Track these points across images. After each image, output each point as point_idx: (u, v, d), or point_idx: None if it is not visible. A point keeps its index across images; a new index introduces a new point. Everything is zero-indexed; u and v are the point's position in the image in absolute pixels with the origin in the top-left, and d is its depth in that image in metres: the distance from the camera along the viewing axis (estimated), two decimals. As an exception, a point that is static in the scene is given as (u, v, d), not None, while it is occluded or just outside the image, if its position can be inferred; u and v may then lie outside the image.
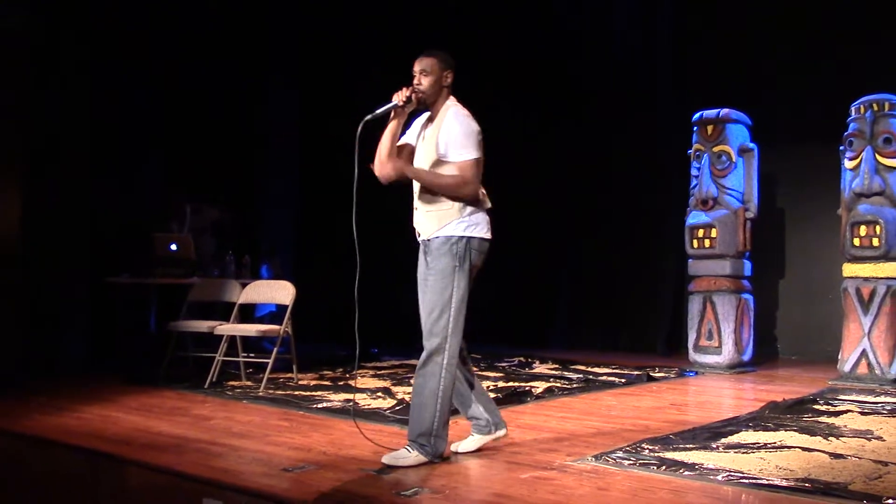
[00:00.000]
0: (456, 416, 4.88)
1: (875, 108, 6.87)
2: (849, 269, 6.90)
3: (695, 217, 7.77)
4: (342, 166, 11.20)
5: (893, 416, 5.08)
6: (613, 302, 9.44)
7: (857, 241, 6.79)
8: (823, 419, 4.96)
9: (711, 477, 3.51)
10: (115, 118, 8.11)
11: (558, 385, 6.40)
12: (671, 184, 8.65)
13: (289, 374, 6.57)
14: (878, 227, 6.67)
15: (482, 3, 9.76)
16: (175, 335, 6.64)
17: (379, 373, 7.12)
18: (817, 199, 8.17)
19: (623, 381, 6.78)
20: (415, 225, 3.93)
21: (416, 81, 3.80)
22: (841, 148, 7.08)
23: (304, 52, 10.28)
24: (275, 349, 6.33)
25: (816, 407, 5.44)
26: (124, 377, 6.56)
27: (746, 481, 3.44)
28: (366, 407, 5.32)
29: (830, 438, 4.35)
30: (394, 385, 6.31)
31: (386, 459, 3.69)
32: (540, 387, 6.24)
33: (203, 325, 6.48)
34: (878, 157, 6.77)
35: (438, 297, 3.72)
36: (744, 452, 3.99)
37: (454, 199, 3.73)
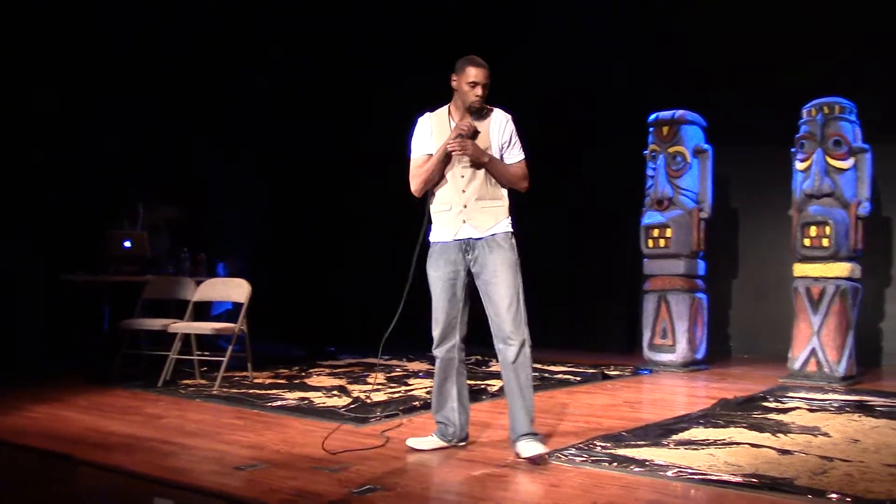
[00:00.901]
0: (422, 412, 4.92)
1: (825, 110, 7.01)
2: (799, 269, 7.02)
3: (650, 217, 7.86)
4: (301, 165, 11.23)
5: (840, 413, 5.18)
6: (570, 301, 9.51)
7: (807, 242, 6.92)
8: (772, 416, 5.05)
9: (661, 473, 3.55)
10: (69, 113, 7.98)
11: (514, 383, 6.41)
12: (627, 184, 8.73)
13: (244, 373, 6.52)
14: (827, 228, 6.80)
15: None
16: (128, 333, 6.56)
17: (335, 371, 7.10)
18: (770, 199, 8.30)
19: (578, 379, 6.83)
20: (462, 223, 3.92)
21: (480, 94, 3.87)
22: (792, 150, 7.20)
23: (265, 50, 10.20)
24: (230, 347, 6.28)
25: (766, 404, 5.54)
26: (77, 376, 6.47)
27: (695, 477, 3.49)
28: (321, 405, 5.30)
29: (779, 435, 4.43)
30: (349, 383, 6.30)
31: (531, 454, 3.71)
32: (496, 385, 6.26)
33: (156, 323, 6.42)
34: (828, 158, 6.90)
35: (513, 291, 3.83)
36: (694, 449, 4.05)
37: (518, 188, 3.99)
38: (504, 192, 4.00)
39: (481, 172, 3.90)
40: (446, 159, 3.90)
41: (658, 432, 4.52)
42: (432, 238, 4.03)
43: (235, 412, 5.16)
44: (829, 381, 6.67)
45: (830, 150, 6.90)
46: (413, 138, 4.05)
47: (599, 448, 4.04)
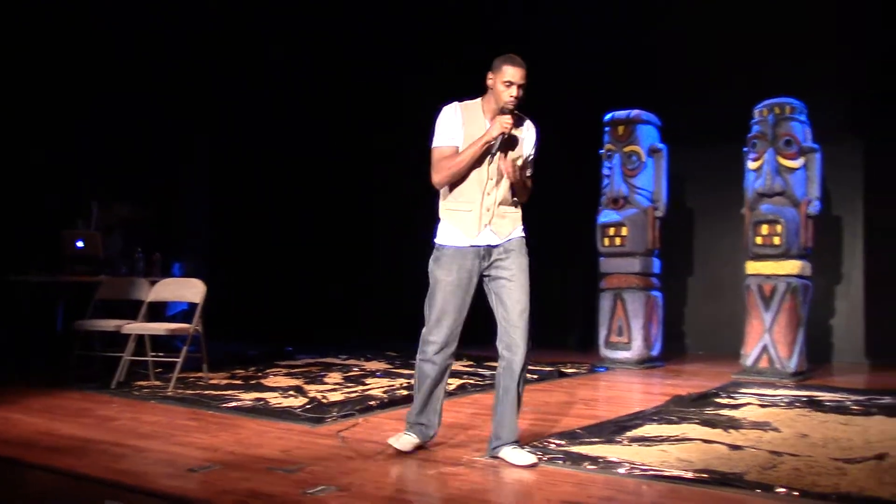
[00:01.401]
0: (379, 412, 4.92)
1: (777, 111, 7.13)
2: (751, 267, 7.14)
3: (606, 216, 7.93)
4: (259, 164, 11.14)
5: (790, 409, 5.28)
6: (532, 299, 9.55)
7: (759, 240, 7.04)
8: (725, 412, 5.13)
9: (614, 470, 3.59)
10: (21, 114, 7.86)
11: (471, 382, 6.45)
12: (583, 183, 8.80)
13: (199, 374, 6.47)
14: (779, 227, 6.92)
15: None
16: (81, 334, 6.47)
17: (292, 371, 7.07)
18: (723, 198, 8.42)
19: (535, 377, 6.88)
20: (483, 227, 3.77)
21: (515, 94, 3.69)
22: (744, 149, 7.32)
23: (220, 54, 10.13)
24: (184, 348, 6.22)
25: (719, 400, 5.62)
26: (29, 378, 6.36)
27: (647, 473, 3.53)
28: (276, 405, 5.27)
29: (730, 430, 4.50)
30: (306, 383, 6.27)
31: (526, 463, 3.65)
32: (453, 384, 6.27)
33: (110, 324, 6.33)
34: (779, 158, 7.03)
35: (527, 298, 3.81)
36: (647, 445, 4.10)
37: (520, 201, 3.90)
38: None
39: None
40: (482, 156, 3.71)
41: (612, 429, 4.56)
42: (443, 241, 3.83)
43: (190, 413, 5.11)
44: (780, 377, 6.79)
45: (781, 149, 7.03)
46: (439, 127, 3.79)
47: (554, 446, 4.07)
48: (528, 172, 3.86)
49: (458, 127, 3.75)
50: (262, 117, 10.52)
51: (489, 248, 3.77)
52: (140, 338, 6.30)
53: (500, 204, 3.78)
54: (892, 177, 8.00)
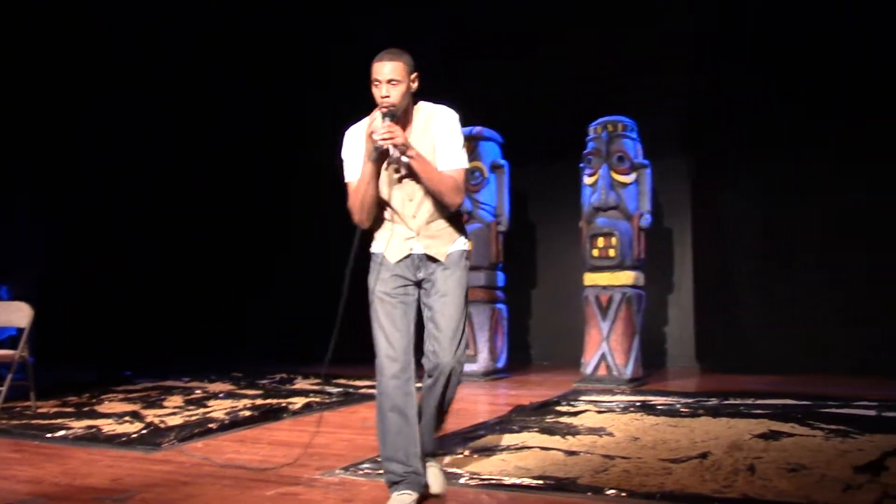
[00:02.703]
0: (219, 434, 4.76)
1: (610, 128, 7.44)
2: (589, 279, 7.40)
3: (452, 231, 8.03)
4: (91, 182, 10.63)
5: (625, 413, 5.49)
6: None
7: (595, 252, 7.31)
8: (564, 419, 5.28)
9: (454, 480, 3.63)
10: None
11: (317, 400, 6.38)
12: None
13: (27, 402, 6.09)
14: (613, 239, 7.22)
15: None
16: None
17: (130, 396, 6.78)
18: (562, 213, 8.72)
19: (382, 392, 6.86)
20: (410, 250, 3.32)
21: (383, 94, 3.14)
22: (581, 165, 7.59)
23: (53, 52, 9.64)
24: (9, 376, 5.85)
25: (559, 408, 5.78)
26: None
27: (486, 483, 3.59)
28: (110, 432, 5.04)
29: (567, 437, 4.63)
30: (143, 408, 6.03)
31: (440, 490, 3.39)
32: (298, 402, 6.20)
33: (-75, 353, 5.89)
34: (613, 173, 7.33)
35: (460, 316, 3.34)
36: (487, 455, 4.16)
37: (448, 203, 3.24)
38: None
39: None
40: (376, 169, 3.21)
41: (455, 441, 4.61)
42: (375, 248, 3.42)
43: (13, 445, 4.80)
44: (617, 384, 7.06)
45: (615, 165, 7.33)
46: (344, 161, 3.35)
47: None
48: (452, 165, 3.25)
49: (352, 154, 3.32)
50: (97, 132, 10.07)
51: (423, 258, 3.32)
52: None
53: (430, 222, 3.30)
54: (715, 191, 8.49)
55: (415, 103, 3.34)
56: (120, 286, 10.18)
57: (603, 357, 7.20)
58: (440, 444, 3.62)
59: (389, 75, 3.15)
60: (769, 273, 8.21)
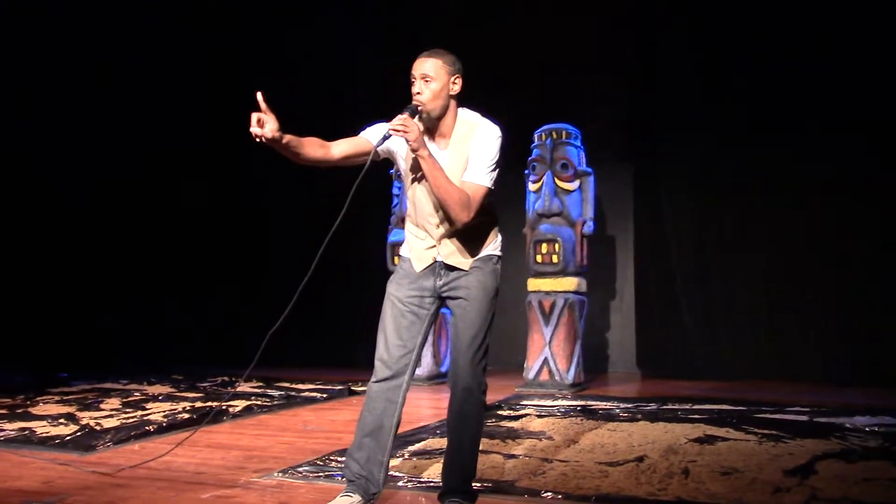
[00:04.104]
0: (156, 437, 4.70)
1: (554, 136, 7.53)
2: (532, 284, 7.46)
3: (396, 234, 8.06)
4: (28, 181, 10.35)
5: (565, 418, 5.54)
6: (319, 318, 9.52)
7: (539, 258, 7.38)
8: (505, 423, 5.31)
9: (392, 483, 3.63)
10: None
11: (258, 403, 6.32)
12: (373, 201, 8.89)
13: (-43, 404, 5.95)
14: (557, 245, 7.29)
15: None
16: None
17: (66, 398, 6.64)
18: (507, 218, 8.63)
19: (325, 395, 6.85)
20: (433, 259, 3.20)
21: (415, 90, 3.10)
22: (525, 172, 7.66)
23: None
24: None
25: (500, 412, 5.81)
26: None
27: (422, 485, 3.60)
28: (43, 434, 4.93)
29: (507, 440, 4.67)
30: (79, 410, 5.91)
31: None
32: (239, 405, 6.14)
33: None
34: (556, 181, 7.41)
35: (482, 323, 3.17)
36: (427, 458, 4.18)
37: (453, 217, 3.06)
38: (489, 211, 3.22)
39: None
40: (368, 151, 3.19)
41: (396, 444, 4.59)
42: (403, 251, 3.34)
43: (-59, 447, 4.68)
44: (559, 389, 7.13)
45: (559, 172, 7.42)
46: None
47: (335, 463, 4.06)
48: (471, 180, 3.08)
49: (377, 127, 3.27)
50: (32, 126, 9.85)
51: (446, 266, 3.20)
52: None
53: (455, 235, 3.16)
54: (657, 199, 8.62)
55: (458, 108, 3.23)
56: (58, 286, 9.96)
57: (545, 362, 7.27)
58: (466, 489, 3.27)
59: (424, 71, 3.11)
60: (709, 281, 8.36)
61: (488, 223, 3.24)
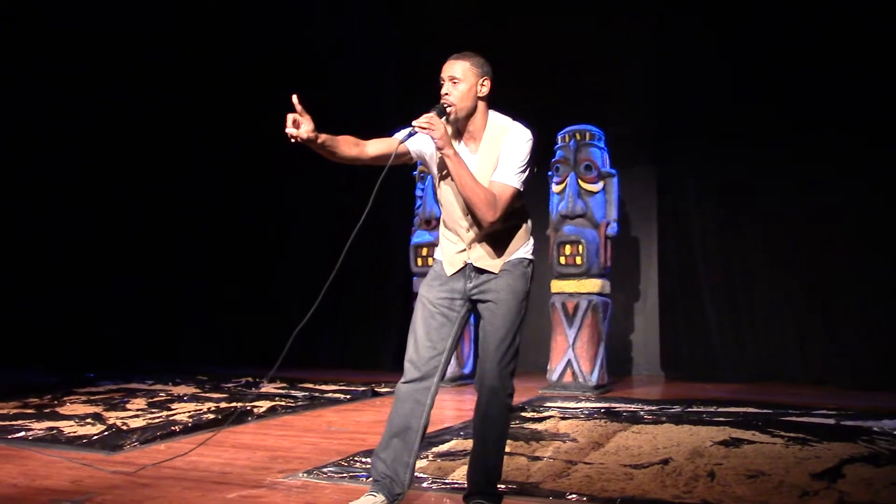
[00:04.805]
0: (181, 437, 4.74)
1: (578, 137, 7.51)
2: (556, 286, 7.45)
3: (419, 236, 8.06)
4: (54, 181, 10.46)
5: (589, 420, 5.53)
6: (342, 320, 9.55)
7: (562, 260, 7.36)
8: (529, 425, 5.30)
9: (417, 484, 3.64)
10: None
11: (282, 404, 6.35)
12: (396, 203, 8.92)
13: (-14, 404, 6.02)
14: (580, 247, 7.27)
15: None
16: None
17: (93, 398, 6.71)
18: (532, 220, 8.72)
19: (348, 397, 6.87)
20: (464, 262, 3.20)
21: (443, 92, 3.13)
22: (549, 173, 7.65)
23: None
24: (-32, 377, 5.77)
25: (524, 414, 5.81)
26: None
27: (449, 486, 3.60)
28: (71, 434, 4.98)
29: (531, 442, 4.66)
30: (106, 410, 5.97)
31: None
32: (263, 406, 6.17)
33: None
34: (580, 182, 7.40)
35: (510, 325, 3.13)
36: (451, 460, 4.18)
37: (479, 217, 3.06)
38: (521, 215, 3.23)
39: None
40: (402, 153, 3.23)
41: (420, 445, 4.61)
42: (437, 254, 3.37)
43: (-29, 446, 4.74)
44: (583, 391, 7.11)
45: (582, 174, 7.40)
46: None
47: (359, 464, 4.07)
48: (499, 179, 3.10)
49: (407, 132, 3.23)
50: (58, 123, 9.95)
51: (476, 268, 3.20)
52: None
53: (486, 237, 3.16)
54: (681, 201, 8.57)
55: (488, 111, 3.24)
56: (85, 288, 10.06)
57: (569, 364, 7.25)
58: (491, 491, 3.24)
59: (452, 73, 3.14)
60: (734, 283, 8.31)
61: (518, 226, 3.23)
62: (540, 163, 7.86)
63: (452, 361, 7.74)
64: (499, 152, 3.14)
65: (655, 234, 8.86)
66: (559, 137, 7.65)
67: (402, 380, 3.23)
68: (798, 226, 7.97)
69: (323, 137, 3.04)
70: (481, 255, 3.18)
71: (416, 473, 3.72)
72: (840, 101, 7.71)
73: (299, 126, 2.97)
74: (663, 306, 8.76)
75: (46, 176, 9.74)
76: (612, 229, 7.39)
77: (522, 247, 3.23)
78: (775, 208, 8.11)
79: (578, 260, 7.29)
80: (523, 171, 3.13)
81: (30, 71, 9.35)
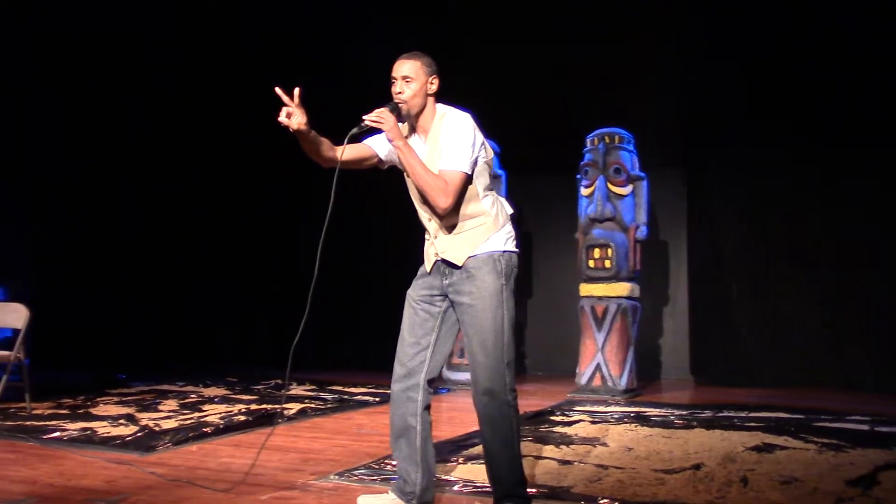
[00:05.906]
0: (214, 438, 4.78)
1: (607, 140, 7.49)
2: (585, 289, 7.43)
3: (446, 239, 8.06)
4: (89, 184, 10.60)
5: (619, 424, 5.51)
6: (369, 322, 9.57)
7: (591, 263, 7.34)
8: (558, 429, 5.30)
9: (447, 487, 3.65)
10: None
11: (312, 406, 6.39)
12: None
13: (21, 404, 6.09)
14: (609, 250, 7.25)
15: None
16: None
17: (125, 399, 6.78)
18: (559, 223, 8.74)
19: (377, 399, 6.89)
20: (435, 255, 3.27)
21: (396, 91, 3.21)
22: (577, 177, 7.63)
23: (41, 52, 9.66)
24: (4, 377, 5.85)
25: (553, 418, 5.80)
26: None
27: (478, 490, 3.61)
28: (105, 434, 5.04)
29: (561, 446, 4.65)
30: (138, 411, 6.03)
31: None
32: (294, 408, 6.21)
33: (-80, 353, 5.88)
34: (609, 185, 7.37)
35: (494, 326, 3.12)
36: (480, 463, 4.14)
37: (434, 205, 3.13)
38: (483, 204, 3.21)
39: None
40: (357, 143, 3.32)
41: (450, 449, 4.63)
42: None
43: (7, 446, 4.80)
44: (612, 395, 7.08)
45: (611, 177, 7.38)
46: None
47: (390, 466, 4.08)
48: (444, 167, 3.13)
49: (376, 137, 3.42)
50: (94, 132, 10.08)
51: (449, 265, 3.23)
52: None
53: (449, 228, 3.21)
54: (711, 204, 8.51)
55: (436, 105, 3.32)
56: (116, 289, 10.18)
57: (598, 368, 7.22)
58: (519, 493, 3.17)
59: (404, 72, 3.22)
60: (764, 286, 8.23)
61: (482, 216, 3.21)
62: (569, 166, 7.89)
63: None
64: (441, 138, 3.22)
65: (685, 237, 8.81)
66: (588, 141, 7.63)
67: (393, 380, 3.30)
68: (829, 231, 7.88)
69: (313, 134, 3.18)
70: (447, 248, 3.22)
71: (446, 477, 3.75)
72: (872, 110, 7.60)
73: (290, 117, 3.10)
74: (693, 310, 8.69)
75: (76, 175, 9.86)
76: (642, 233, 7.36)
77: (491, 238, 3.20)
78: (805, 213, 8.03)
79: (607, 263, 7.27)
80: (469, 155, 3.15)
81: (30, 71, 9.45)
